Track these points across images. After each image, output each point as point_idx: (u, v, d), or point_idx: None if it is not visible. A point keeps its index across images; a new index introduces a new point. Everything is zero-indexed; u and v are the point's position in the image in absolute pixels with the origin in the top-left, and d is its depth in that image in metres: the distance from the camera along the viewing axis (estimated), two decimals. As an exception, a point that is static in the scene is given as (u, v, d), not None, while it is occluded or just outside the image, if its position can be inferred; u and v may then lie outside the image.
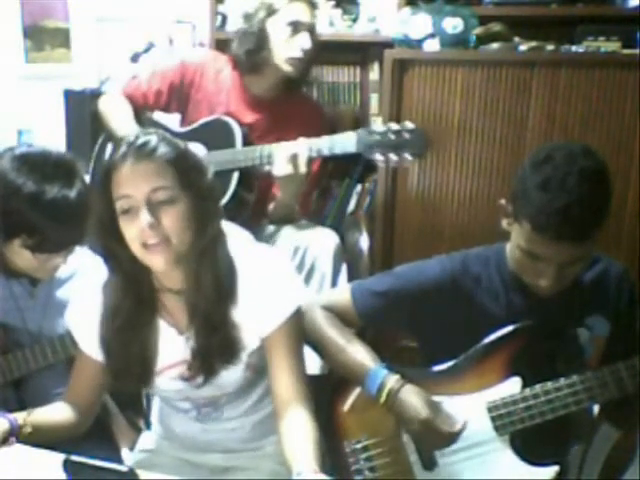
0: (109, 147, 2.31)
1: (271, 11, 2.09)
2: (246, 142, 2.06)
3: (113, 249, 1.25)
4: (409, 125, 1.84)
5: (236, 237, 1.34)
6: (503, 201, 1.36)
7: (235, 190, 2.03)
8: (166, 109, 2.28)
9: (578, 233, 1.22)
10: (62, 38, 3.09)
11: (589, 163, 1.25)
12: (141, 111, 2.27)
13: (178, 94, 2.23)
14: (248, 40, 2.13)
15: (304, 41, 2.07)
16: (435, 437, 1.34)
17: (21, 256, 1.45)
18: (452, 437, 1.34)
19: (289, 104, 2.21)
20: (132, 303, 1.28)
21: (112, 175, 1.20)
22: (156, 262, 1.22)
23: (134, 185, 1.19)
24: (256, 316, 1.28)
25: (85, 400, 1.39)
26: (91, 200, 1.26)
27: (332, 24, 2.51)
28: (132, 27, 2.93)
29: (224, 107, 2.17)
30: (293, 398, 1.27)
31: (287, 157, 1.91)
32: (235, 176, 2.03)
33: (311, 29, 2.10)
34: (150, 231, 1.18)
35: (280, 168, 1.92)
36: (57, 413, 1.37)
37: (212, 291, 1.25)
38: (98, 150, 2.31)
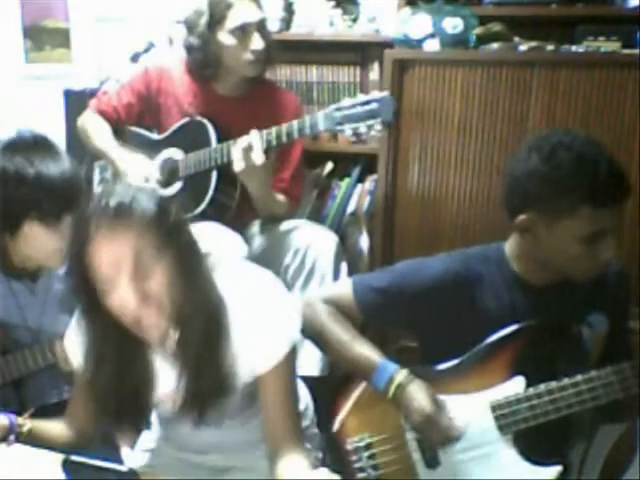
0: (97, 169, 2.31)
1: (216, 21, 2.03)
2: (222, 140, 2.03)
3: (95, 311, 1.16)
4: (377, 94, 1.79)
5: (226, 269, 1.26)
6: (523, 216, 1.33)
7: (215, 189, 2.02)
8: (139, 123, 2.26)
9: (628, 185, 1.28)
10: (62, 38, 3.09)
11: (573, 131, 1.33)
12: (117, 127, 2.25)
13: (148, 103, 2.22)
14: (197, 53, 2.11)
15: (255, 43, 2.03)
16: (437, 434, 1.35)
17: (36, 238, 1.46)
18: (453, 437, 1.35)
19: (260, 97, 2.19)
20: (119, 344, 1.20)
21: (87, 249, 1.10)
22: (151, 336, 1.16)
23: (113, 261, 1.09)
24: (250, 355, 1.22)
25: (83, 422, 1.35)
26: (67, 268, 1.19)
27: (332, 24, 2.51)
28: (132, 27, 2.93)
29: (195, 109, 2.15)
30: (287, 437, 1.23)
31: (240, 151, 1.87)
32: (214, 175, 2.02)
33: (260, 26, 2.04)
34: (140, 307, 1.10)
35: (235, 164, 1.89)
36: (56, 430, 1.34)
37: (201, 336, 1.18)
38: (86, 174, 2.30)
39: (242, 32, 2.02)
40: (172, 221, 1.14)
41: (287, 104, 2.20)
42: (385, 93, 1.77)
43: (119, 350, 1.21)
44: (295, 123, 1.88)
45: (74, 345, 1.30)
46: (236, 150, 1.88)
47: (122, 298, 1.10)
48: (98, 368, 1.22)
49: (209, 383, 1.20)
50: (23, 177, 1.42)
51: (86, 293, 1.15)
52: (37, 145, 1.48)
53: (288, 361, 1.24)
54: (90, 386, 1.25)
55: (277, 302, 1.25)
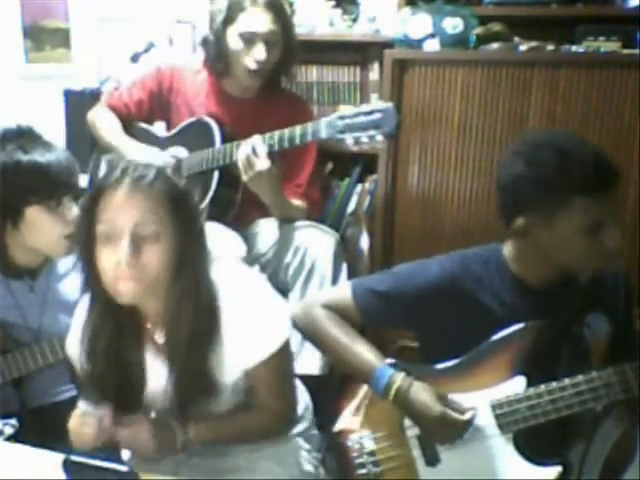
0: (104, 162, 2.31)
1: (228, 19, 2.04)
2: (227, 141, 2.02)
3: (92, 272, 1.18)
4: (381, 104, 1.77)
5: (222, 266, 1.28)
6: (520, 221, 1.33)
7: (217, 189, 2.01)
8: (150, 119, 2.27)
9: (616, 170, 1.29)
10: (62, 38, 3.09)
11: (552, 130, 1.38)
12: (127, 122, 2.26)
13: (159, 101, 2.23)
14: (210, 47, 2.12)
15: (258, 53, 2.02)
16: (448, 429, 1.34)
17: (39, 224, 1.48)
18: (465, 427, 1.34)
19: (270, 102, 2.18)
20: (113, 327, 1.23)
21: (101, 197, 1.14)
22: (123, 294, 1.16)
23: (122, 212, 1.13)
24: (239, 352, 1.24)
25: None
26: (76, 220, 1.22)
27: (332, 24, 2.51)
28: (132, 27, 2.93)
29: (204, 109, 2.15)
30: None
31: (244, 159, 1.86)
32: (216, 175, 2.02)
33: (269, 38, 2.02)
34: (127, 265, 1.12)
35: (243, 173, 1.88)
36: None
37: (191, 328, 1.19)
38: (93, 166, 2.30)
39: (247, 39, 2.02)
40: (183, 209, 1.17)
41: (299, 112, 2.18)
42: (389, 104, 1.76)
43: (115, 330, 1.23)
44: (298, 129, 1.87)
45: (74, 344, 1.30)
46: (240, 158, 1.87)
47: (114, 255, 1.13)
48: (92, 347, 1.24)
49: (195, 376, 1.22)
50: (18, 164, 1.45)
51: (88, 255, 1.17)
52: (25, 135, 1.52)
53: (279, 358, 1.26)
54: (85, 371, 1.27)
55: (267, 300, 1.27)
